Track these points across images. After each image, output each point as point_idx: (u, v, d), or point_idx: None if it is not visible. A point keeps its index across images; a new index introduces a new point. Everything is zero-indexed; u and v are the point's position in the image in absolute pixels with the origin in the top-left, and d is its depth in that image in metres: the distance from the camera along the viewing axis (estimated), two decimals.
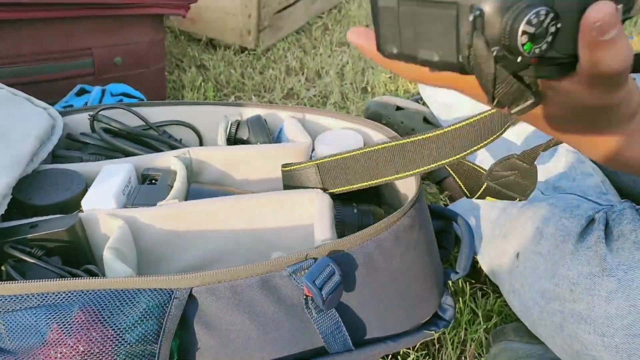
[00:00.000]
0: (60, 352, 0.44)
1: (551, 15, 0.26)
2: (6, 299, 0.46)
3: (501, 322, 0.70)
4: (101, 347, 0.45)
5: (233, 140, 0.75)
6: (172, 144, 0.76)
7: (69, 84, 0.97)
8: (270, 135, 0.76)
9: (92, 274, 0.53)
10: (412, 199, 0.57)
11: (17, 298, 0.46)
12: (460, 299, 0.71)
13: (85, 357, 0.44)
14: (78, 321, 0.44)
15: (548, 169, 0.73)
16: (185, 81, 1.25)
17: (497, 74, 0.27)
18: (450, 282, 0.74)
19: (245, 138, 0.75)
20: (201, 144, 0.82)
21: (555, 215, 0.64)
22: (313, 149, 0.74)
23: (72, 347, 0.44)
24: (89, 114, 0.75)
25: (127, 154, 0.72)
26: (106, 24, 0.99)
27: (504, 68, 0.27)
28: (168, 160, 0.68)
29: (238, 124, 0.76)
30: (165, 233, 0.59)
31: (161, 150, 0.74)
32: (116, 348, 0.45)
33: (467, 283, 0.74)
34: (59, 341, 0.44)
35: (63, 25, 0.95)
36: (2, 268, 0.53)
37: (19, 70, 0.92)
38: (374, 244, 0.54)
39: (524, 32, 0.25)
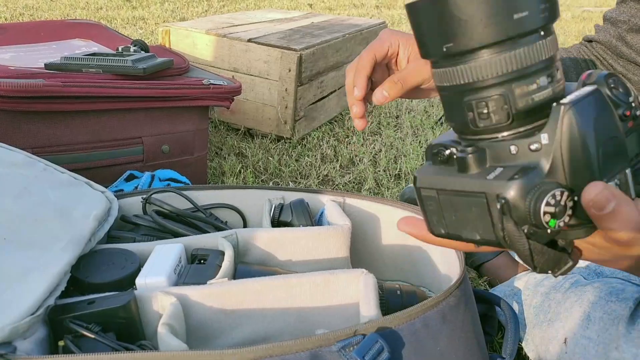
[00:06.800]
0: None
1: (566, 193, 0.29)
2: None
3: None
4: None
5: (277, 222, 0.78)
6: (219, 226, 0.79)
7: (119, 169, 1.03)
8: (312, 218, 0.79)
9: (145, 349, 0.54)
10: (458, 279, 0.58)
11: None
12: None
13: None
14: None
15: None
16: (225, 168, 1.31)
17: (531, 248, 0.30)
18: None
19: (288, 220, 0.78)
20: (245, 226, 0.85)
21: (602, 300, 0.64)
22: None
23: None
24: (142, 197, 0.79)
25: (177, 234, 0.75)
26: (156, 115, 1.07)
27: (536, 241, 0.30)
28: (216, 241, 0.71)
29: (282, 207, 0.79)
30: (214, 311, 0.61)
31: (208, 232, 0.77)
32: None
33: None
34: None
35: (117, 116, 1.02)
36: (60, 343, 0.55)
37: (75, 157, 0.99)
38: (421, 322, 0.54)
39: (545, 212, 0.29)
